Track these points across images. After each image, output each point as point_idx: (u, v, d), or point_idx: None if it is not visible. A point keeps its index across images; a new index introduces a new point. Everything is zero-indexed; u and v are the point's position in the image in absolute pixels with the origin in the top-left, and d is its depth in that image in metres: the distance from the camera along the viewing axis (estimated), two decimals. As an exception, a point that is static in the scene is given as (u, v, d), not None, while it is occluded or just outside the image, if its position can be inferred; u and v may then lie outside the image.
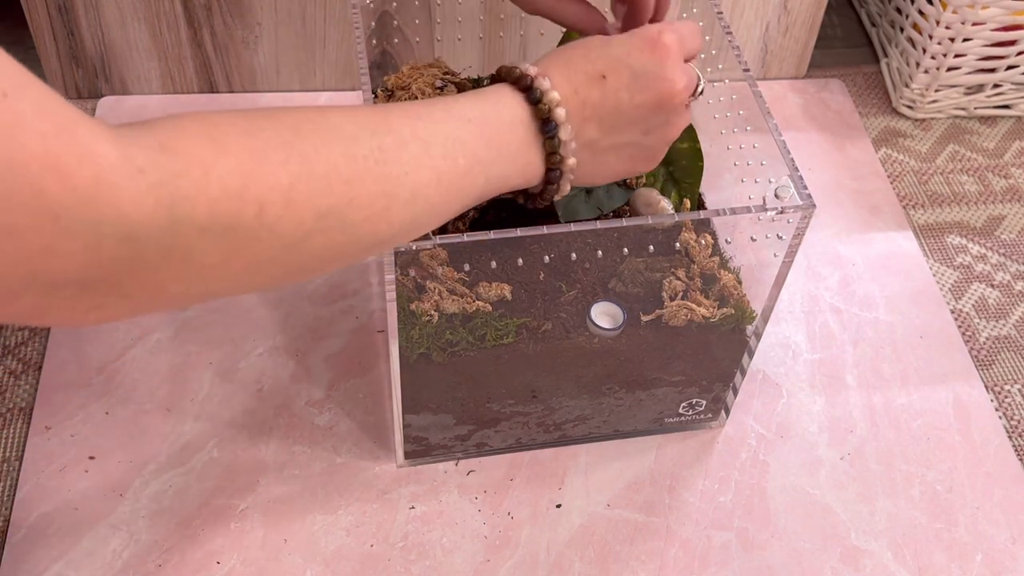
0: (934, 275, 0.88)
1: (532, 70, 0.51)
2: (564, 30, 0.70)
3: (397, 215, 0.45)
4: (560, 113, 0.51)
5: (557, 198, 0.55)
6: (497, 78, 0.53)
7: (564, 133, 0.51)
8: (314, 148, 0.42)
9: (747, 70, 0.66)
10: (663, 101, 0.53)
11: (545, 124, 0.51)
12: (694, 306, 0.64)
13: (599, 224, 0.57)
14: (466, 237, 0.55)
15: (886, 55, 1.06)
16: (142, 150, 0.36)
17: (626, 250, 0.63)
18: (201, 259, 0.38)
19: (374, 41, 0.79)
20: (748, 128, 0.68)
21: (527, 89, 0.51)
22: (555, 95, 0.51)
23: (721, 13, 0.69)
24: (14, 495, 0.68)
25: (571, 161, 0.52)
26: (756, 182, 0.66)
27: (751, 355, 0.69)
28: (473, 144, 0.48)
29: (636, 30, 0.54)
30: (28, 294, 0.34)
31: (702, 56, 0.73)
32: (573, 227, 0.56)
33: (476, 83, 0.74)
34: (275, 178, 0.40)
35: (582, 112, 0.52)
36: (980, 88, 1.01)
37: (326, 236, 0.43)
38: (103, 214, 0.34)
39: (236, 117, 0.41)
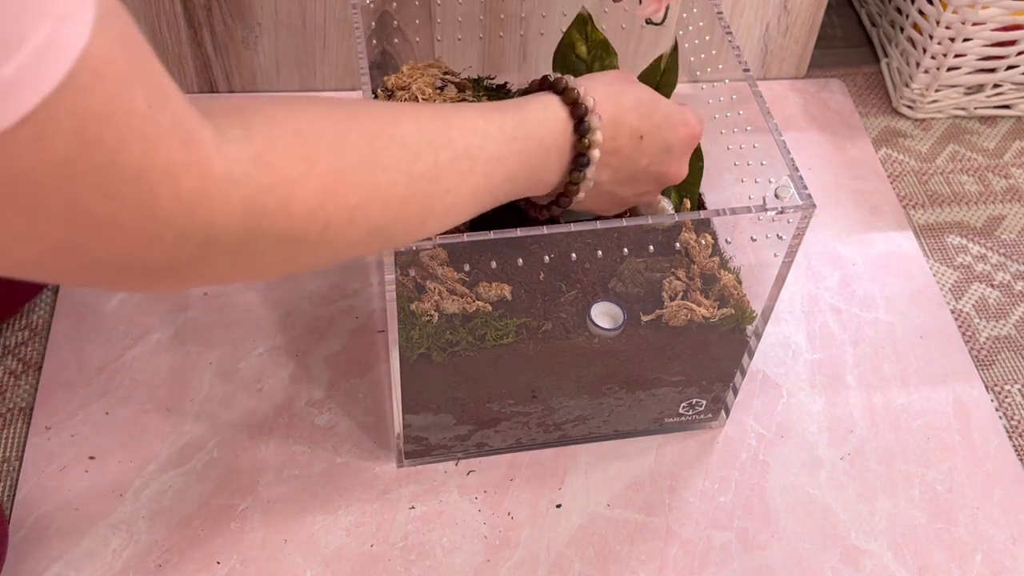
0: (934, 275, 0.88)
1: (591, 101, 0.52)
2: (564, 30, 0.70)
3: (429, 228, 0.48)
4: (595, 154, 0.53)
5: (548, 215, 0.58)
6: (552, 88, 0.54)
7: (590, 172, 0.53)
8: (383, 168, 0.44)
9: (747, 70, 0.66)
10: (664, 179, 0.59)
11: (579, 157, 0.53)
12: (694, 306, 0.64)
13: (599, 224, 0.57)
14: (466, 237, 0.55)
15: (886, 55, 1.06)
16: (240, 162, 0.38)
17: (626, 250, 0.63)
18: (261, 261, 0.41)
19: (374, 41, 0.79)
20: (748, 128, 0.68)
21: (579, 120, 0.52)
22: (599, 137, 0.52)
23: (721, 13, 0.69)
24: (14, 495, 0.68)
25: (581, 195, 0.55)
26: (756, 182, 0.66)
27: (751, 355, 0.69)
28: (511, 163, 0.50)
29: (682, 110, 0.58)
30: (104, 272, 0.36)
31: (702, 56, 0.73)
32: (573, 227, 0.56)
33: (476, 83, 0.74)
34: (346, 199, 0.42)
35: (607, 158, 0.54)
36: (980, 88, 1.01)
37: (368, 247, 0.46)
38: (198, 222, 0.36)
39: (326, 123, 0.43)
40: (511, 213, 0.69)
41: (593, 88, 0.53)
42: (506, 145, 0.49)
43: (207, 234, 0.37)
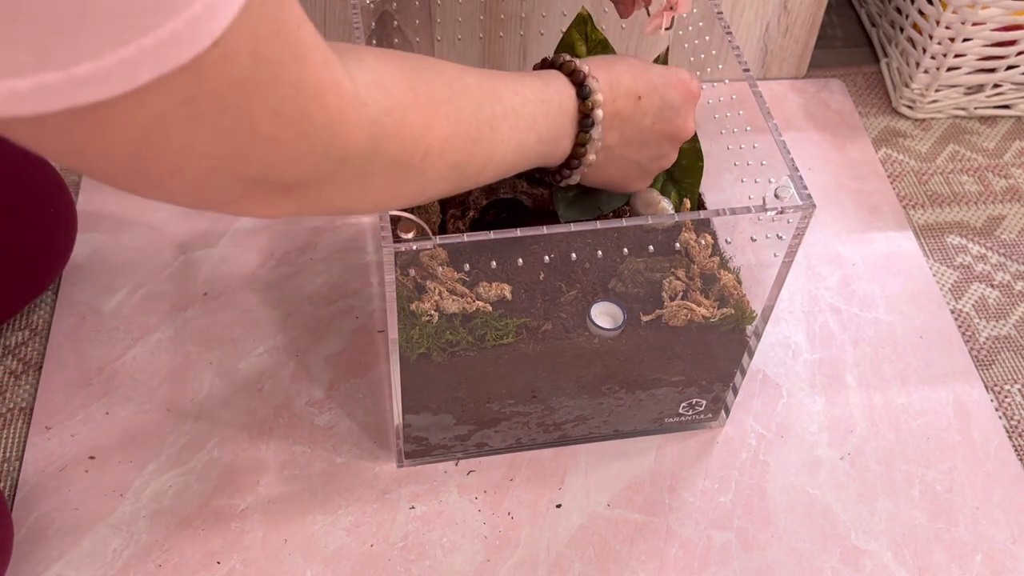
0: (934, 275, 0.88)
1: (586, 67, 0.57)
2: (564, 30, 0.70)
3: (487, 175, 0.52)
4: (599, 114, 0.56)
5: (565, 183, 0.60)
6: (550, 65, 0.58)
7: (596, 132, 0.57)
8: (461, 108, 0.49)
9: (747, 70, 0.66)
10: (674, 136, 0.61)
11: (584, 119, 0.56)
12: (694, 306, 0.64)
13: (599, 224, 0.57)
14: (466, 237, 0.55)
15: (886, 55, 1.06)
16: (365, 85, 0.42)
17: (626, 250, 0.63)
18: (373, 183, 0.45)
19: (374, 41, 0.79)
20: (748, 128, 0.68)
21: (579, 84, 0.56)
22: (600, 97, 0.56)
23: (721, 13, 0.69)
24: (14, 495, 0.68)
25: (591, 157, 0.57)
26: (756, 182, 0.66)
27: (751, 355, 0.69)
28: (542, 123, 0.54)
29: (674, 69, 0.61)
30: (247, 188, 0.39)
31: (702, 56, 0.73)
32: (573, 227, 0.56)
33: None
34: (441, 130, 0.47)
35: (611, 120, 0.57)
36: (980, 88, 1.01)
37: (447, 184, 0.50)
38: (337, 138, 0.40)
39: (416, 64, 0.48)
40: (511, 213, 0.69)
41: (588, 61, 0.58)
42: (538, 107, 0.54)
43: (343, 150, 0.41)
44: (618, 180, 0.62)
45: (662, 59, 0.68)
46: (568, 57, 0.58)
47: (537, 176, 0.62)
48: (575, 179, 0.60)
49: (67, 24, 0.27)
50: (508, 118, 0.52)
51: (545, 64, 0.59)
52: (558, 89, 0.56)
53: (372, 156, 0.43)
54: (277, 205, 0.42)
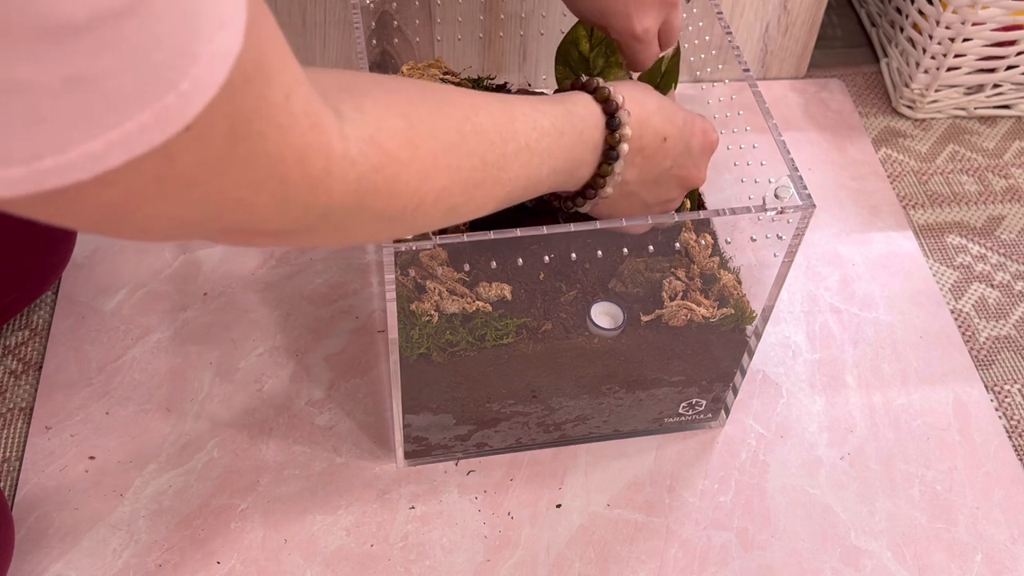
0: (934, 275, 0.88)
1: (620, 97, 0.55)
2: (564, 30, 0.70)
3: (488, 208, 0.51)
4: (624, 148, 0.55)
5: (576, 211, 0.59)
6: (584, 88, 0.56)
7: (618, 166, 0.55)
8: (468, 153, 0.47)
9: (747, 70, 0.66)
10: (687, 183, 0.60)
11: (610, 150, 0.55)
12: (694, 306, 0.64)
13: (599, 224, 0.57)
14: (466, 237, 0.55)
15: (886, 55, 1.06)
16: (356, 141, 0.40)
17: (626, 250, 0.63)
18: (358, 231, 0.44)
19: (374, 41, 0.79)
20: (748, 128, 0.68)
21: (610, 114, 0.55)
22: (628, 131, 0.55)
23: (721, 13, 0.69)
24: (14, 495, 0.68)
25: (608, 189, 0.56)
26: (756, 182, 0.66)
27: (751, 355, 0.69)
28: (558, 156, 0.53)
29: (699, 117, 0.61)
30: (226, 236, 0.39)
31: (702, 56, 0.73)
32: (573, 227, 0.56)
33: (476, 83, 0.74)
34: (439, 181, 0.45)
35: (635, 156, 0.56)
36: (980, 88, 1.01)
37: (441, 223, 0.49)
38: (319, 197, 0.39)
39: (425, 108, 0.46)
40: (512, 213, 0.69)
41: (621, 89, 0.56)
42: (556, 140, 0.52)
43: (326, 207, 0.40)
44: (618, 212, 0.60)
45: (667, 60, 0.68)
46: (603, 83, 0.56)
47: (545, 199, 0.61)
48: (587, 208, 0.59)
49: (30, 125, 0.27)
50: (520, 155, 0.50)
51: (577, 85, 0.57)
52: (583, 117, 0.54)
53: (357, 211, 0.42)
54: (258, 243, 0.41)
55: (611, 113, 0.55)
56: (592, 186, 0.56)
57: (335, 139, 0.39)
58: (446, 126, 0.46)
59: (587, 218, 0.66)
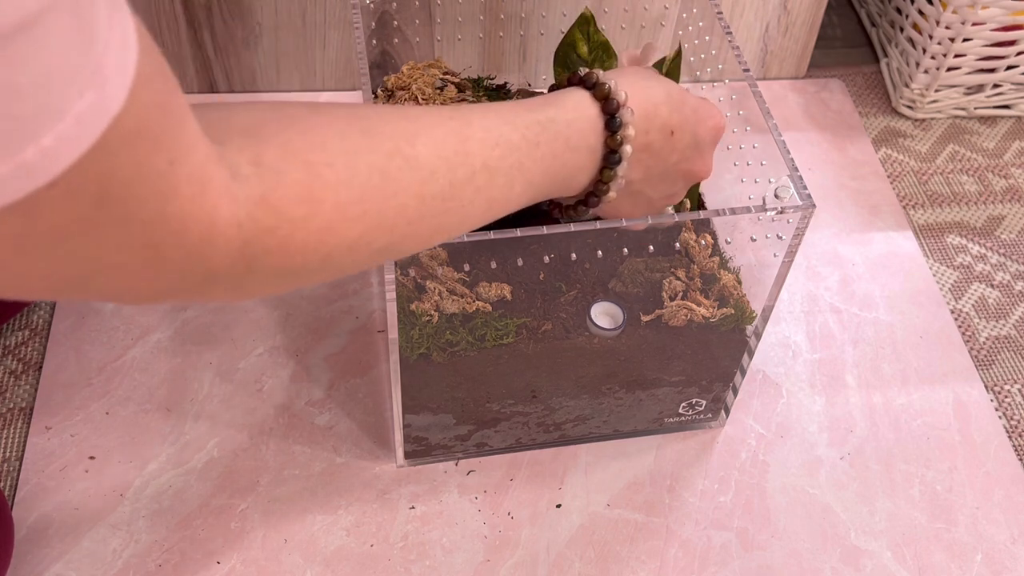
0: (934, 275, 0.88)
1: (622, 94, 0.51)
2: (564, 30, 0.70)
3: (440, 240, 0.47)
4: (627, 150, 0.51)
5: (578, 217, 0.56)
6: (582, 84, 0.52)
7: (622, 169, 0.52)
8: (393, 194, 0.42)
9: (747, 70, 0.66)
10: (693, 176, 0.57)
11: (611, 154, 0.51)
12: (694, 306, 0.64)
13: (599, 224, 0.57)
14: (466, 237, 0.55)
15: (886, 55, 1.06)
16: (246, 204, 0.37)
17: (626, 250, 0.63)
18: (257, 288, 0.41)
19: (374, 41, 0.79)
20: (748, 128, 0.68)
21: (611, 114, 0.51)
22: (632, 132, 0.51)
23: (721, 13, 0.69)
24: (14, 495, 0.68)
25: (612, 194, 0.53)
26: (756, 182, 0.66)
27: (751, 355, 0.69)
28: (532, 170, 0.48)
29: (709, 104, 0.56)
30: (103, 296, 0.37)
31: (702, 56, 0.73)
32: (573, 227, 0.56)
33: (476, 83, 0.74)
34: (351, 232, 0.41)
35: (639, 154, 0.52)
36: (980, 88, 1.01)
37: (373, 263, 0.45)
38: (197, 266, 0.36)
39: (339, 149, 0.41)
40: (514, 212, 0.69)
41: (624, 82, 0.52)
42: (528, 153, 0.48)
43: (208, 272, 0.37)
44: (622, 212, 0.57)
45: (669, 62, 0.68)
46: (603, 76, 0.51)
47: (545, 208, 0.58)
48: (586, 214, 0.55)
49: None
50: (475, 178, 0.45)
51: (575, 80, 0.52)
52: (570, 122, 0.50)
53: (247, 273, 0.39)
54: (149, 303, 0.40)
55: (611, 113, 0.50)
56: (595, 193, 0.53)
57: (223, 203, 0.36)
58: (365, 166, 0.41)
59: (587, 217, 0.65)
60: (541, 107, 0.50)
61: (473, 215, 0.47)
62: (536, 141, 0.48)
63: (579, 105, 0.50)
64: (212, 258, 0.36)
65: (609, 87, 0.51)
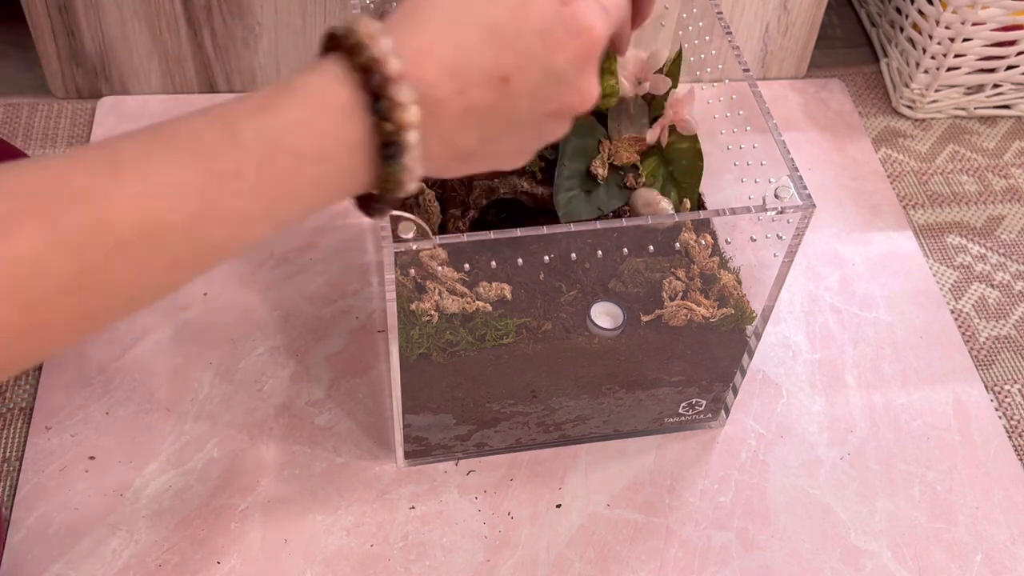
0: (934, 275, 0.88)
1: (393, 64, 0.36)
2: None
3: (94, 329, 0.35)
4: (411, 138, 0.37)
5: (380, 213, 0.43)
6: (340, 47, 0.38)
7: (410, 158, 0.38)
8: None
9: (747, 70, 0.66)
10: (568, 110, 0.43)
11: (386, 147, 0.37)
12: (694, 306, 0.64)
13: (599, 224, 0.57)
14: (466, 237, 0.55)
15: (886, 55, 1.06)
16: None
17: (626, 250, 0.63)
18: None
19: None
20: (748, 128, 0.68)
21: (374, 93, 0.37)
22: (412, 115, 0.37)
23: (721, 13, 0.69)
24: (14, 495, 0.68)
25: (410, 186, 0.40)
26: (756, 182, 0.66)
27: (751, 355, 0.69)
28: (235, 208, 0.35)
29: (566, 12, 0.41)
30: None
31: (702, 56, 0.73)
32: (573, 227, 0.56)
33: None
34: None
35: (463, 119, 0.39)
36: (980, 88, 1.01)
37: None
38: None
39: None
40: (511, 213, 0.69)
41: (410, 35, 0.38)
42: (223, 187, 0.34)
43: None
44: (489, 167, 0.44)
45: (669, 64, 0.68)
46: (364, 35, 0.37)
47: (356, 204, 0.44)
48: (383, 211, 0.41)
49: None
50: (125, 251, 0.33)
51: (332, 39, 0.38)
52: (307, 121, 0.36)
53: None
54: None
55: (375, 92, 0.36)
56: (383, 193, 0.39)
57: None
58: None
59: (587, 218, 0.66)
60: (255, 112, 0.36)
61: (143, 291, 0.35)
62: (237, 170, 0.35)
63: (318, 94, 0.37)
64: None
65: (370, 54, 0.36)
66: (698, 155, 0.68)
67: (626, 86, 0.67)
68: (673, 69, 0.68)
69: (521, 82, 0.40)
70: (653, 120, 0.69)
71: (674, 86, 0.68)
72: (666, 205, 0.66)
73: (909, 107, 1.02)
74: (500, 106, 0.40)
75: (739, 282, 0.65)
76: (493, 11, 0.39)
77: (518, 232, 0.55)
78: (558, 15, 0.40)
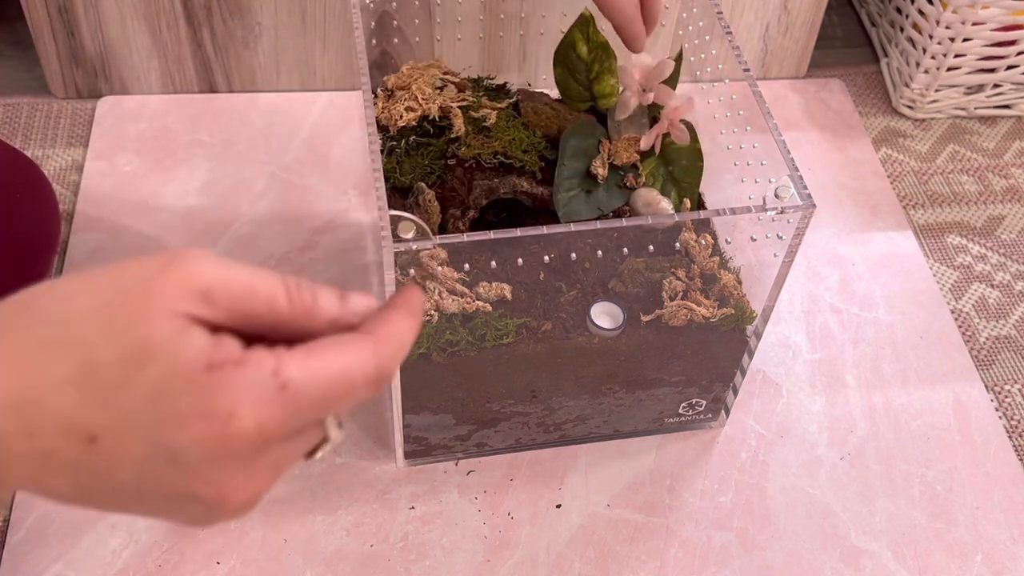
0: (934, 275, 0.88)
1: None
2: (564, 30, 0.70)
3: None
4: None
5: None
6: None
7: None
8: None
9: (747, 70, 0.66)
10: (207, 500, 0.33)
11: None
12: (694, 306, 0.64)
13: (599, 224, 0.57)
14: (466, 237, 0.55)
15: (886, 55, 1.06)
16: None
17: (626, 250, 0.63)
18: None
19: (374, 41, 0.79)
20: (748, 128, 0.68)
21: None
22: None
23: (721, 13, 0.69)
24: (14, 495, 0.68)
25: None
26: (756, 182, 0.66)
27: (751, 355, 0.69)
28: None
29: (216, 383, 0.30)
30: None
31: (702, 56, 0.73)
32: (573, 227, 0.56)
33: (476, 83, 0.74)
34: None
35: (43, 464, 0.31)
36: (980, 88, 1.01)
37: None
38: None
39: None
40: (511, 213, 0.69)
41: None
42: None
43: None
44: (148, 514, 0.34)
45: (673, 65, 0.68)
46: None
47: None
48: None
49: None
50: None
51: None
52: None
53: None
54: None
55: None
56: None
57: None
58: None
59: (587, 218, 0.66)
60: None
61: None
62: None
63: None
64: None
65: None
66: (698, 155, 0.68)
67: (631, 100, 0.67)
68: (673, 72, 0.68)
69: (115, 447, 0.31)
70: (653, 121, 0.69)
71: (674, 85, 0.69)
72: (666, 205, 0.66)
73: (909, 107, 1.02)
74: (92, 465, 0.31)
75: (739, 282, 0.65)
76: (99, 347, 0.30)
77: (518, 232, 0.55)
78: (190, 381, 0.30)
